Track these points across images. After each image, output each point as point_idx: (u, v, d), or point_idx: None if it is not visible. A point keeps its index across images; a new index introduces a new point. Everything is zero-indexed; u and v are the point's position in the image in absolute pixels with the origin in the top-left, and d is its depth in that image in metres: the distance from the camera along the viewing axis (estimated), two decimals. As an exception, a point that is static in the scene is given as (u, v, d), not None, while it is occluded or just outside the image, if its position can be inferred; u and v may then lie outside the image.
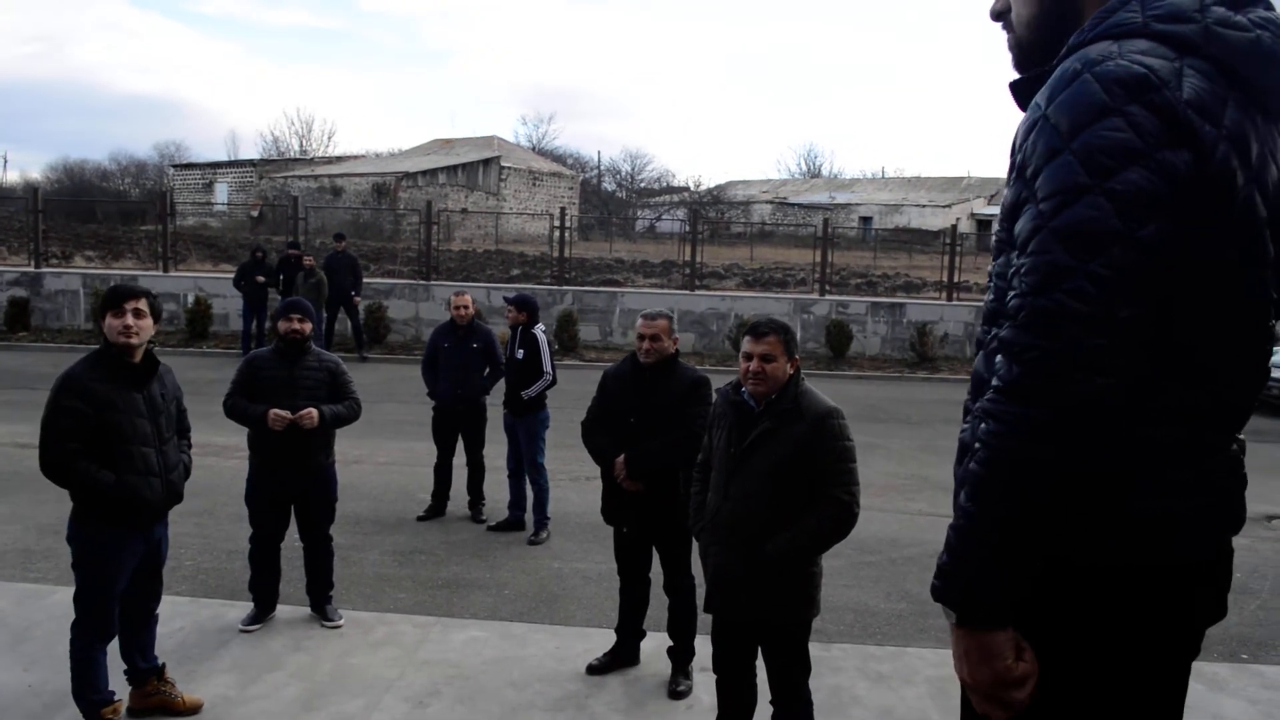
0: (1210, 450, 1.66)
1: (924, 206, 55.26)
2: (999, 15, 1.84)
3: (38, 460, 4.02)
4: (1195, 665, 5.28)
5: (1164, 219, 1.47)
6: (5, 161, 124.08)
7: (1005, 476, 1.52)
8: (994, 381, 1.56)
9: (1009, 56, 1.83)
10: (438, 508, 7.99)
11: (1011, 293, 1.55)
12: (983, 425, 1.56)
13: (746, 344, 3.76)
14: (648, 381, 4.90)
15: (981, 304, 1.84)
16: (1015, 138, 1.64)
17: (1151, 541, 1.61)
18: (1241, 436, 1.77)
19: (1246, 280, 1.59)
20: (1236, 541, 6.12)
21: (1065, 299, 1.46)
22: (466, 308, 7.98)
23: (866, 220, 53.89)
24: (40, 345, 17.86)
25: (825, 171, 75.51)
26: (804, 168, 77.26)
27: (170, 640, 4.95)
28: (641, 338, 4.86)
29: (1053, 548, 1.55)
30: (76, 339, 18.12)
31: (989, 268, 1.79)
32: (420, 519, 7.85)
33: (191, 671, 4.73)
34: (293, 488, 5.50)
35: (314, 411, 5.36)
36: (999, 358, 1.56)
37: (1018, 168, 1.61)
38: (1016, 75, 1.79)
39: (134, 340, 4.02)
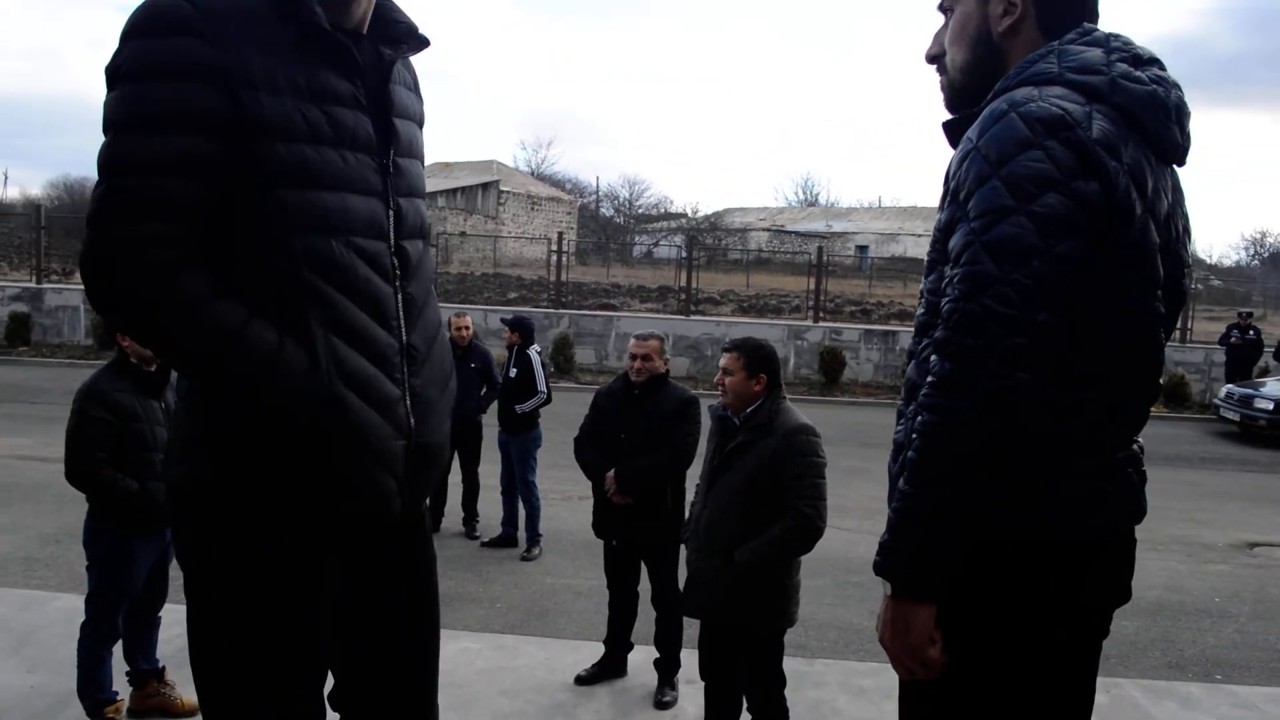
0: (1109, 445, 1.85)
1: (920, 236, 55.46)
2: (934, 59, 2.06)
3: (64, 469, 4.12)
4: (1170, 685, 5.40)
5: (1076, 238, 1.68)
6: (5, 178, 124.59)
7: (937, 463, 1.70)
8: (929, 378, 1.73)
9: (941, 96, 2.05)
10: (433, 524, 8.08)
11: (945, 299, 1.74)
12: (919, 418, 1.73)
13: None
14: (638, 400, 5.08)
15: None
16: (949, 168, 1.85)
17: (1053, 521, 1.78)
18: (1140, 439, 1.98)
19: (1141, 298, 1.80)
20: (1217, 567, 6.33)
21: (991, 303, 1.66)
22: (467, 328, 8.17)
23: (863, 249, 54.16)
24: (40, 360, 18.02)
25: (822, 200, 75.96)
26: (801, 196, 77.72)
27: (170, 645, 5.06)
28: (634, 357, 5.06)
29: (982, 530, 1.72)
30: (76, 354, 18.30)
31: (921, 285, 1.98)
32: (415, 534, 7.96)
33: (191, 676, 4.85)
34: None
35: None
36: (934, 357, 1.73)
37: (951, 193, 1.81)
38: (948, 115, 1.99)
39: None
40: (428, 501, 2.24)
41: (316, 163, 1.81)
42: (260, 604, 1.89)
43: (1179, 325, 21.69)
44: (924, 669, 1.78)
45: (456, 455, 8.13)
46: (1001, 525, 1.75)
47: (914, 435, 1.74)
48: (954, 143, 1.91)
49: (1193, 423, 18.06)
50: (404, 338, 1.96)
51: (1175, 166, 1.92)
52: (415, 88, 2.17)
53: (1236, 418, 16.39)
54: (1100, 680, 5.49)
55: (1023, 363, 1.65)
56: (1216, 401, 17.58)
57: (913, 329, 2.00)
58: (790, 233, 57.58)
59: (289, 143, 1.78)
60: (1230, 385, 17.60)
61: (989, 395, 1.65)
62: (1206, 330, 23.65)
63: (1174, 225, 1.88)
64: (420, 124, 2.17)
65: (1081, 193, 1.68)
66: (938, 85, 2.05)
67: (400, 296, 1.96)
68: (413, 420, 1.96)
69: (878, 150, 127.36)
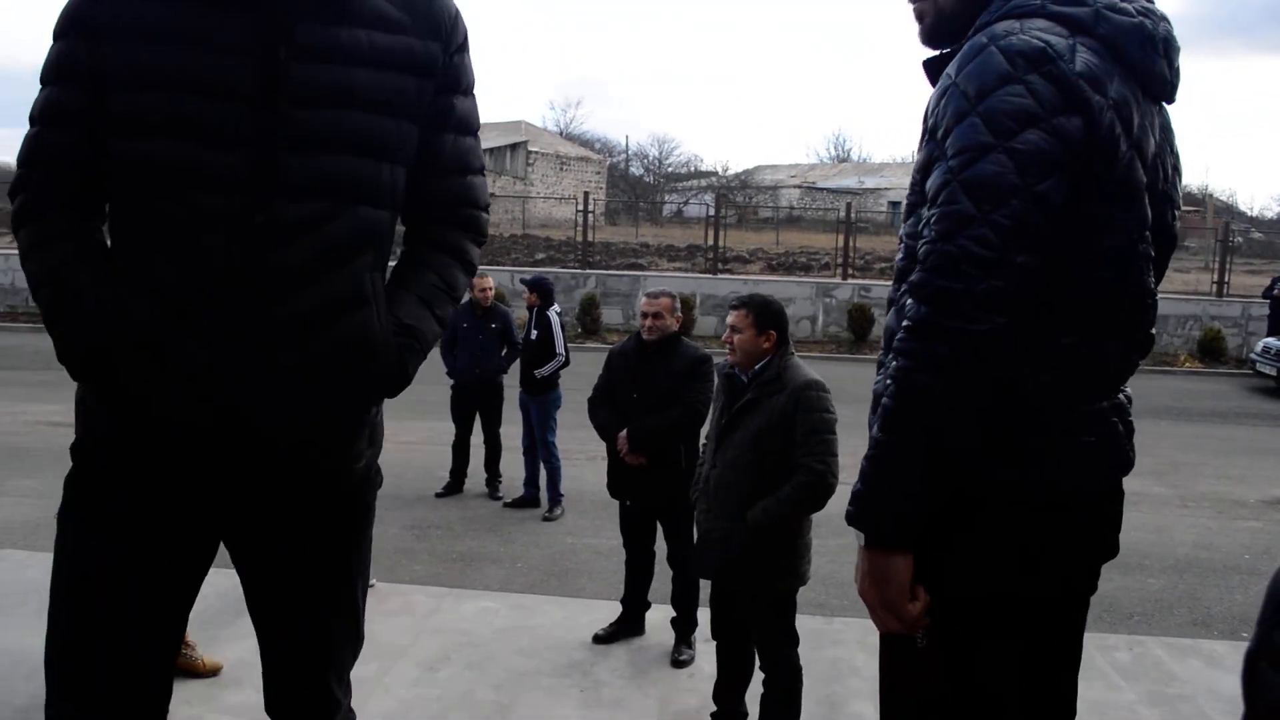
0: (1091, 394, 1.79)
1: (953, 191, 54.70)
2: None
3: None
4: (1195, 642, 5.32)
5: (1057, 177, 1.62)
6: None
7: (911, 409, 1.64)
8: (904, 322, 1.67)
9: (918, 30, 1.93)
10: (456, 484, 8.18)
11: (922, 241, 1.68)
12: (894, 363, 1.68)
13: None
14: (650, 358, 5.06)
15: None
16: (927, 106, 1.79)
17: (1029, 474, 1.73)
18: (1127, 388, 1.90)
19: (1125, 239, 1.74)
20: (1248, 524, 6.20)
21: (969, 244, 1.60)
22: (489, 290, 8.16)
23: (895, 205, 53.56)
24: (73, 327, 18.22)
25: (854, 156, 75.04)
26: (832, 152, 76.78)
27: (194, 607, 5.13)
28: (644, 315, 5.05)
29: (957, 479, 1.67)
30: (108, 321, 18.48)
31: (900, 231, 1.91)
32: (438, 495, 8.04)
33: (214, 636, 4.91)
34: None
35: None
36: (909, 301, 1.68)
37: (929, 130, 1.75)
38: (929, 53, 1.91)
39: None
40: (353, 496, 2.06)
41: (152, 109, 1.75)
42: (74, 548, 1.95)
43: (1215, 279, 21.41)
44: (902, 622, 1.73)
45: (479, 416, 8.17)
46: (977, 477, 1.71)
47: (888, 381, 1.70)
48: (934, 81, 1.84)
49: (1228, 378, 17.81)
50: (252, 304, 1.76)
51: (1165, 105, 1.85)
52: (401, 26, 1.87)
53: (1274, 373, 16.10)
54: (1123, 638, 5.44)
55: (1000, 307, 1.59)
56: (1253, 356, 17.29)
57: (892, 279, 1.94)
58: (821, 189, 57.03)
59: (129, 91, 1.76)
60: (1268, 339, 17.29)
61: (964, 340, 1.60)
62: (1245, 284, 23.21)
63: (1162, 165, 1.81)
64: (396, 66, 1.86)
65: (1063, 129, 1.62)
66: (915, 15, 1.93)
67: (253, 259, 1.75)
68: (238, 397, 1.79)
69: (910, 104, 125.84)
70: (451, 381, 8.24)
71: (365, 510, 2.09)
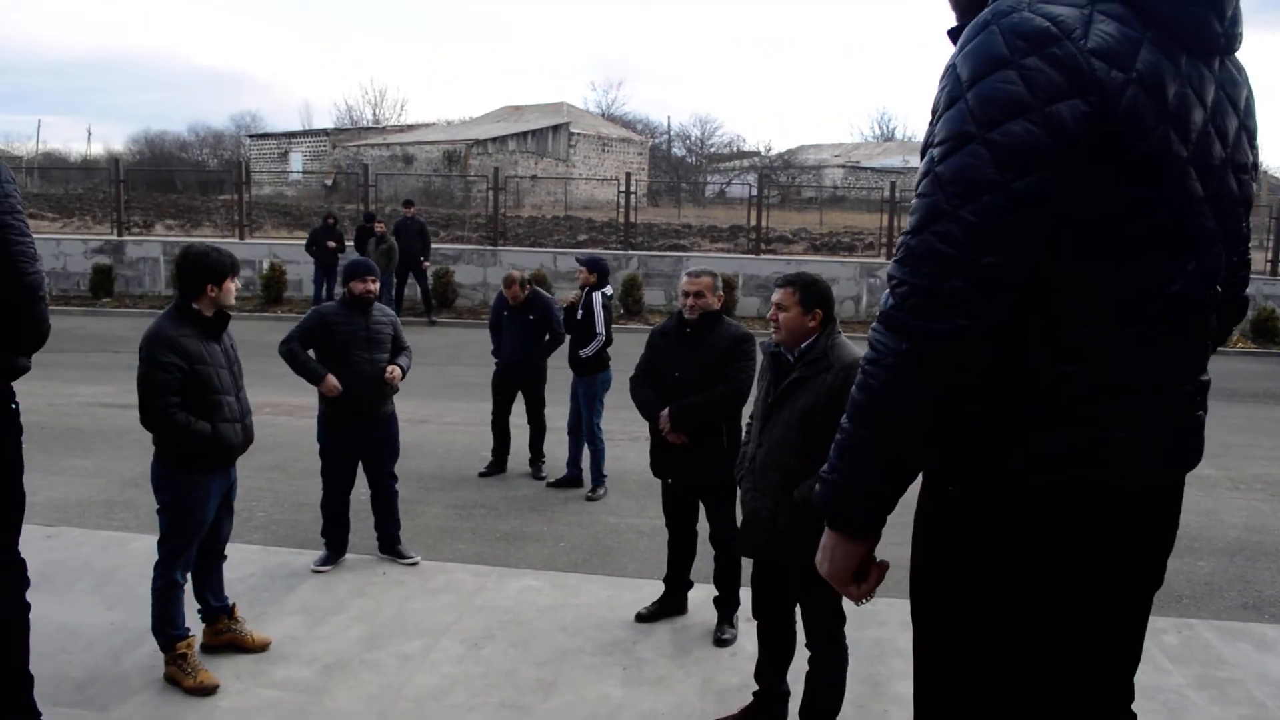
0: (1123, 388, 1.65)
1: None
2: None
3: (138, 415, 4.21)
4: (1245, 626, 5.22)
5: (1044, 171, 1.51)
6: (89, 135, 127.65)
7: (876, 402, 1.63)
8: (880, 312, 1.65)
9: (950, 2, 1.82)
10: (498, 464, 8.22)
11: (901, 231, 1.66)
12: (867, 351, 1.67)
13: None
14: (692, 337, 5.04)
15: None
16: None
17: (1028, 476, 1.65)
18: (1206, 376, 1.78)
19: (1165, 217, 1.61)
20: (1303, 504, 5.80)
21: (933, 240, 1.55)
22: (517, 296, 8.11)
23: (940, 184, 52.66)
24: (122, 311, 18.52)
25: (899, 135, 74.16)
26: (877, 131, 75.98)
27: (242, 585, 5.23)
28: (685, 294, 5.03)
29: (939, 479, 1.71)
30: (157, 304, 18.72)
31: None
32: (482, 475, 8.09)
33: (261, 614, 5.00)
34: (362, 434, 5.80)
35: (399, 369, 5.81)
36: (885, 291, 1.66)
37: (931, 112, 1.67)
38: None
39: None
40: None
41: None
42: None
43: (1269, 257, 20.92)
44: (850, 593, 1.82)
45: (522, 397, 8.20)
46: (960, 477, 1.70)
47: (860, 371, 1.69)
48: None
49: (1283, 358, 17.45)
50: None
51: (1224, 59, 1.68)
52: None
53: (1329, 352, 15.75)
54: (1172, 621, 5.36)
55: (962, 307, 1.53)
56: (1308, 335, 16.96)
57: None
58: (866, 169, 56.45)
59: None
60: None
61: (922, 339, 1.56)
62: (1300, 262, 22.65)
63: (1219, 129, 1.65)
64: None
65: (1058, 118, 1.50)
66: None
67: None
68: None
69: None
70: (496, 361, 8.32)
71: None
